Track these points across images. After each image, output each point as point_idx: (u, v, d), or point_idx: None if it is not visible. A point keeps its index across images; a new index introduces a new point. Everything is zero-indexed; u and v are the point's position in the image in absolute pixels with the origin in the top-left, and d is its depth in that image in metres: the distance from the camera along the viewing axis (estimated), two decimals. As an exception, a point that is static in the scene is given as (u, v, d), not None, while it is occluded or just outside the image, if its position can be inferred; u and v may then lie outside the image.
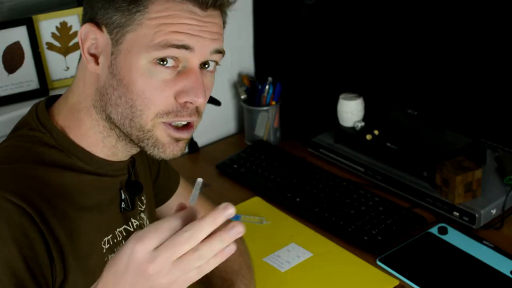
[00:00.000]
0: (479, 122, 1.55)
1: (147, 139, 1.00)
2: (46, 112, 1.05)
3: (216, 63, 1.02)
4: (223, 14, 1.03)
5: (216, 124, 1.97)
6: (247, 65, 1.99)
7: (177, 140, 1.02)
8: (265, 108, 1.88)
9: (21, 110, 1.57)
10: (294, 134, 1.93)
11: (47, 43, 1.65)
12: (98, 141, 1.04)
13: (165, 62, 0.97)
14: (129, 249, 0.78)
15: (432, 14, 1.57)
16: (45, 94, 1.63)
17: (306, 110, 1.92)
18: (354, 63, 1.79)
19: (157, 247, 0.78)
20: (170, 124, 1.00)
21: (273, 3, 1.90)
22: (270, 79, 1.88)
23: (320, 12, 1.81)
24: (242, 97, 1.91)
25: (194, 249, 0.78)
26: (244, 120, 1.93)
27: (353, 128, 1.77)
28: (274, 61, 1.95)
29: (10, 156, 1.00)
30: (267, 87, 1.87)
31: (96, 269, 1.04)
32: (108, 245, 1.08)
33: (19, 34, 1.61)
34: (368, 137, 1.72)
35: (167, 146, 1.01)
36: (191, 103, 0.98)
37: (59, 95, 1.10)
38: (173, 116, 0.99)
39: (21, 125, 1.06)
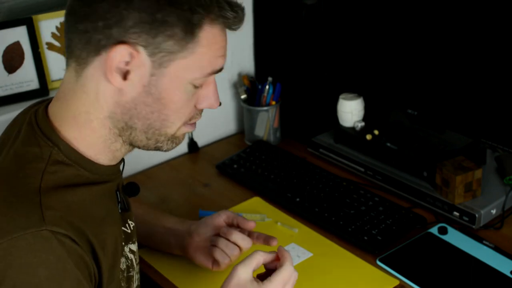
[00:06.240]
0: (479, 122, 1.55)
1: (167, 140, 1.07)
2: (48, 123, 1.03)
3: None
4: None
5: (216, 124, 1.97)
6: (247, 65, 1.99)
7: None
8: (265, 108, 1.87)
9: (21, 110, 1.57)
10: (294, 134, 1.93)
11: (47, 43, 1.65)
12: (105, 148, 1.05)
13: None
14: (235, 271, 1.10)
15: (432, 14, 1.57)
16: (45, 94, 1.63)
17: (306, 110, 1.92)
18: (354, 63, 1.79)
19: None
20: (188, 124, 1.08)
21: (273, 3, 1.90)
22: (270, 79, 1.87)
23: (320, 12, 1.81)
24: (242, 97, 1.91)
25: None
26: (244, 120, 1.93)
27: (353, 128, 1.77)
28: (274, 61, 1.95)
29: (29, 183, 0.97)
30: (267, 87, 1.87)
31: (117, 275, 1.07)
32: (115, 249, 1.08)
33: (19, 34, 1.61)
34: (368, 137, 1.72)
35: (181, 139, 1.10)
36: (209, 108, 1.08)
37: (46, 100, 1.10)
38: (192, 120, 1.08)
39: (24, 137, 1.03)
